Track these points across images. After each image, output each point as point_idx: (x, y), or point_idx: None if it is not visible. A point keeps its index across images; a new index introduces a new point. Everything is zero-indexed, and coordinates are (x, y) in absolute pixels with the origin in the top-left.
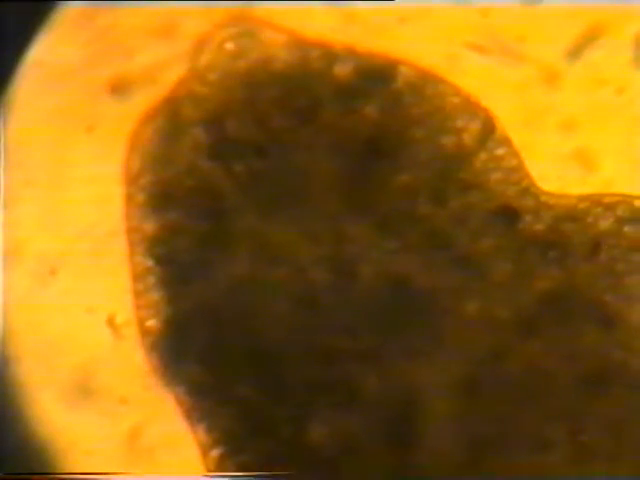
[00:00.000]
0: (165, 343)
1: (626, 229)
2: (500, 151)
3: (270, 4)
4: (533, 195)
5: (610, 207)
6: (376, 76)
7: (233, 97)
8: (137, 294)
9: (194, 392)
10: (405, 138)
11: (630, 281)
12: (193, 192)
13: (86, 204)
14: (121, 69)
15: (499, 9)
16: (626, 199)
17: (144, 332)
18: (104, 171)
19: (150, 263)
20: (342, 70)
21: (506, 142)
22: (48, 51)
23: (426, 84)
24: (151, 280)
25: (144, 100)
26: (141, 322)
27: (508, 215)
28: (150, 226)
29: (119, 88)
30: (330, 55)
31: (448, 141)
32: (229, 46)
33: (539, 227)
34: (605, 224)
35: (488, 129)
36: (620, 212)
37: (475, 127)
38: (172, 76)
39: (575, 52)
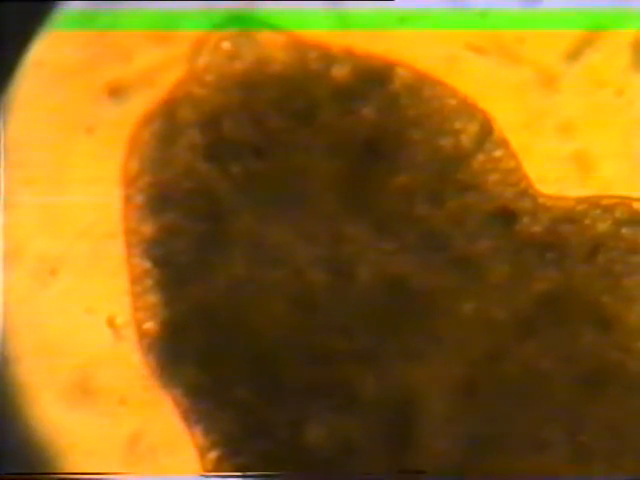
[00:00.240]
0: (163, 345)
1: (624, 231)
2: (498, 153)
3: (269, 4)
4: (531, 197)
5: (608, 209)
6: (373, 78)
7: (231, 99)
8: (135, 296)
9: (191, 394)
10: (402, 140)
11: (628, 283)
12: (191, 194)
13: (86, 204)
14: (120, 71)
15: (498, 11)
16: (624, 201)
17: (142, 334)
18: (104, 172)
19: (148, 265)
20: (340, 72)
21: (504, 144)
22: (48, 51)
23: (423, 86)
24: (149, 282)
25: (143, 102)
26: (139, 324)
27: (506, 217)
28: (148, 228)
29: (119, 90)
30: (328, 57)
31: (446, 143)
32: (226, 47)
33: (537, 229)
34: (603, 226)
35: (486, 131)
36: (618, 214)
37: (473, 129)
38: (171, 78)
39: (574, 54)
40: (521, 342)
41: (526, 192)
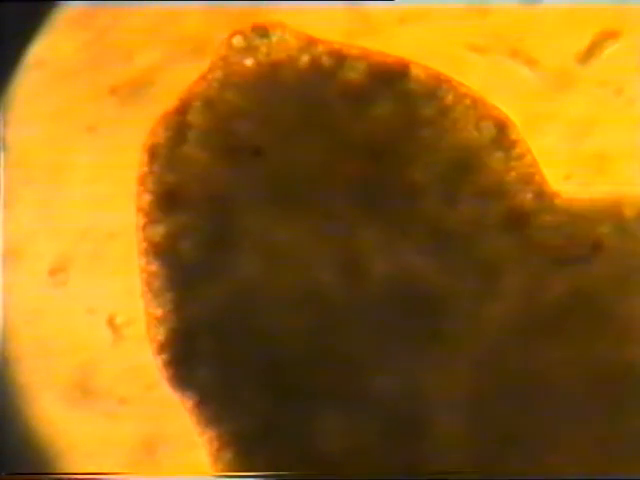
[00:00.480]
0: (174, 347)
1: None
2: (514, 152)
3: (268, 4)
4: (548, 196)
5: (620, 207)
6: (387, 77)
7: (242, 98)
8: (147, 299)
9: (203, 396)
10: (416, 139)
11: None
12: (202, 195)
13: (86, 204)
14: (121, 69)
15: (501, 9)
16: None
17: (153, 336)
18: (104, 171)
19: (158, 267)
20: (352, 71)
21: (519, 143)
22: (48, 51)
23: (438, 85)
24: (160, 284)
25: (144, 101)
26: (150, 325)
27: (521, 216)
28: (159, 230)
29: (119, 89)
30: (340, 56)
31: (460, 142)
32: (238, 47)
33: (552, 228)
34: (616, 226)
35: (502, 130)
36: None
37: (488, 128)
38: (172, 77)
39: (586, 54)
40: (534, 342)
41: (542, 191)
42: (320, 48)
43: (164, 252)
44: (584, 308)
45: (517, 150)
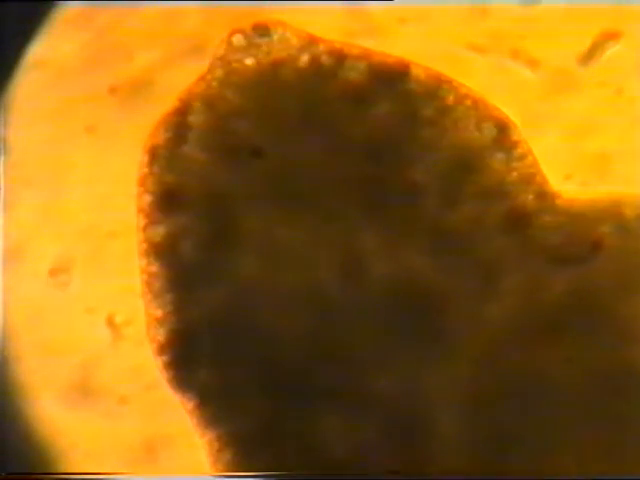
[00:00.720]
0: (175, 348)
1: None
2: (515, 152)
3: (268, 4)
4: (547, 196)
5: (621, 207)
6: (387, 77)
7: (242, 98)
8: (147, 300)
9: (203, 397)
10: (417, 139)
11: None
12: (202, 195)
13: (86, 204)
14: (121, 69)
15: (501, 10)
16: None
17: (153, 337)
18: (104, 171)
19: (158, 268)
20: (353, 71)
21: (520, 143)
22: (48, 51)
23: (438, 85)
24: (160, 285)
25: (144, 101)
26: (151, 326)
27: (522, 216)
28: (159, 230)
29: (119, 89)
30: (340, 56)
31: (461, 143)
32: (238, 46)
33: (552, 228)
34: (616, 226)
35: (503, 131)
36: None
37: (489, 129)
38: (172, 77)
39: (587, 55)
40: (535, 343)
41: (543, 191)
42: (321, 47)
43: (164, 253)
44: (584, 308)
45: (518, 151)
